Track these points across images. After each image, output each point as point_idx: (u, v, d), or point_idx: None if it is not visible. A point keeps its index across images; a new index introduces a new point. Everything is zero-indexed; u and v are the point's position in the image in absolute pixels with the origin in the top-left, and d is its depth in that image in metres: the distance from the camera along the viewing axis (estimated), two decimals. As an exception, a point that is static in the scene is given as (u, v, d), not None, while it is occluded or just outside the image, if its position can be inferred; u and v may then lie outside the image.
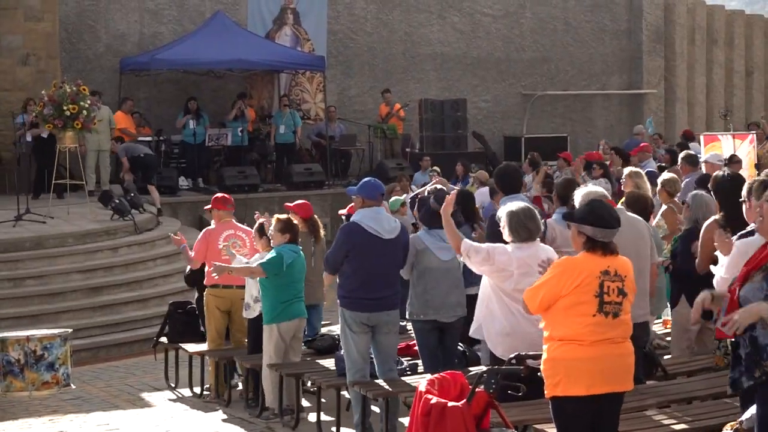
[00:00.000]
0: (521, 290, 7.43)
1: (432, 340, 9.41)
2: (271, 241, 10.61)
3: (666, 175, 13.04)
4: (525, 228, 7.99)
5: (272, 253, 10.37)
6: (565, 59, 31.04)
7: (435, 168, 20.89)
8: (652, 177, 13.76)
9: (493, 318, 8.03)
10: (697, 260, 9.05)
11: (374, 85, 27.67)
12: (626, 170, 12.65)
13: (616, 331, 6.56)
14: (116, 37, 25.40)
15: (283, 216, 10.72)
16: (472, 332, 8.34)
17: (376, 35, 28.55)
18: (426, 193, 10.26)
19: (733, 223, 7.86)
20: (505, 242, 8.07)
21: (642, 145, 21.02)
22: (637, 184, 11.48)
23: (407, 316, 9.68)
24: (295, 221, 10.78)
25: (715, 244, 7.69)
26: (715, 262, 8.23)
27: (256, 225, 11.16)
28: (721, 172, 9.62)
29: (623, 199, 10.37)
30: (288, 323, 10.45)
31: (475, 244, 8.24)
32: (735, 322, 5.67)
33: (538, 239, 8.16)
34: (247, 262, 10.84)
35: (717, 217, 8.96)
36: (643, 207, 9.84)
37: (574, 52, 31.17)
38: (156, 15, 25.90)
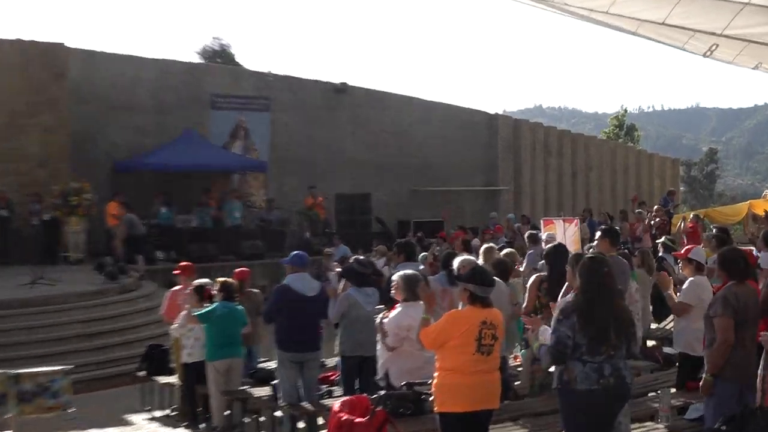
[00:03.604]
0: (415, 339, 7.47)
1: (355, 370, 9.18)
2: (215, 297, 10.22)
3: (507, 250, 12.97)
4: (412, 291, 7.90)
5: (209, 307, 9.94)
6: (442, 164, 31.31)
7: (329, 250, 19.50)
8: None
9: (397, 361, 7.95)
10: (524, 304, 9.13)
11: (303, 182, 27.54)
12: (483, 247, 12.60)
13: (488, 364, 6.49)
14: (112, 146, 25.02)
15: (221, 279, 10.39)
16: (380, 378, 8.16)
17: (305, 147, 28.51)
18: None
19: (560, 280, 7.86)
20: (396, 300, 8.02)
21: (497, 227, 21.26)
22: (488, 258, 11.49)
23: (339, 353, 9.42)
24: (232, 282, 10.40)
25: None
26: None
27: (193, 287, 10.53)
28: (552, 245, 9.67)
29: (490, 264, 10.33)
30: (221, 361, 9.95)
31: (390, 333, 7.99)
32: None
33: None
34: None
35: (542, 274, 9.02)
36: (503, 270, 9.84)
37: (448, 159, 31.47)
38: (141, 131, 25.57)
